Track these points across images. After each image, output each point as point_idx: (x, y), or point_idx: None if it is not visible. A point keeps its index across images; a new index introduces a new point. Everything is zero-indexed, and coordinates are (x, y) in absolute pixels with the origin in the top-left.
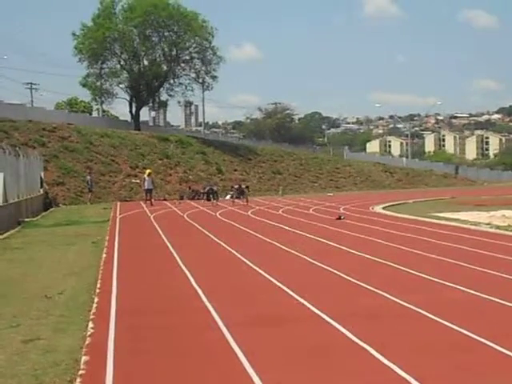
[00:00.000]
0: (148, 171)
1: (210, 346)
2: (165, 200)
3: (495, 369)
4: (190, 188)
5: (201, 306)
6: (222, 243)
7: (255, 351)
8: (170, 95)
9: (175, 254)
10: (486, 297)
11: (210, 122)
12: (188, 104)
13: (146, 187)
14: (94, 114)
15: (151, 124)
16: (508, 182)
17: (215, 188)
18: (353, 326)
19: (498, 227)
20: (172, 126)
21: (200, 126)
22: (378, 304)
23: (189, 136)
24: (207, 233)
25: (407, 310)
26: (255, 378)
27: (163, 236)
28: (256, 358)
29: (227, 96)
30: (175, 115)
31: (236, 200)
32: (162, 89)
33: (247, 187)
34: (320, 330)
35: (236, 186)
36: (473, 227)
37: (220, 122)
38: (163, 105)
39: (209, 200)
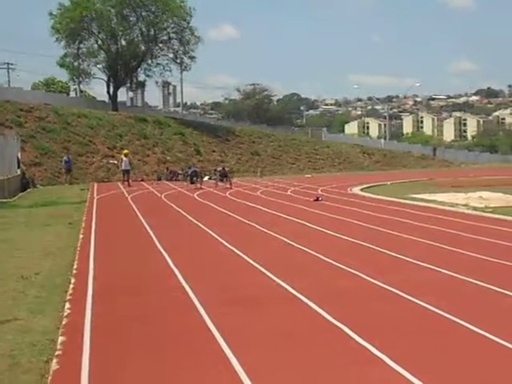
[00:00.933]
0: (125, 152)
1: (187, 327)
2: (142, 181)
3: (471, 350)
4: (167, 169)
5: (178, 287)
6: (199, 224)
7: (232, 332)
8: (147, 75)
9: (152, 235)
10: (463, 278)
11: (189, 103)
12: (166, 84)
13: (123, 168)
14: (72, 94)
15: (129, 104)
16: (485, 163)
17: (199, 170)
18: (330, 306)
19: (475, 208)
20: (150, 106)
21: (178, 106)
22: (355, 285)
23: (167, 117)
24: (185, 214)
25: (384, 290)
26: (232, 359)
27: (140, 217)
28: (233, 338)
29: (205, 77)
30: (153, 96)
31: (219, 183)
32: (139, 69)
33: (231, 171)
34: (297, 311)
35: (219, 169)
36: (450, 208)
37: (198, 103)
38: (141, 85)
39: (192, 183)
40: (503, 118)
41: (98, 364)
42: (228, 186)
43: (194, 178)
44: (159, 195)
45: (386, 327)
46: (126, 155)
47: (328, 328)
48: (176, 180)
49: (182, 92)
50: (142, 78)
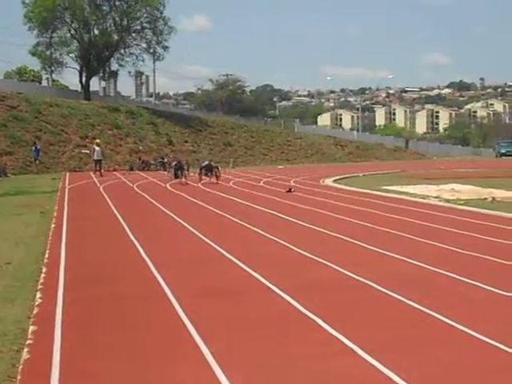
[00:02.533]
0: (97, 141)
1: (159, 317)
2: (114, 171)
3: (443, 341)
4: (140, 159)
5: (150, 277)
6: (171, 214)
7: (204, 322)
8: (120, 65)
9: (124, 225)
10: (435, 269)
11: (161, 93)
12: (139, 74)
13: (96, 158)
14: (44, 83)
15: (101, 94)
16: (457, 156)
17: (184, 162)
18: (302, 297)
19: (446, 200)
20: (123, 96)
21: (151, 96)
22: (327, 276)
23: (139, 107)
24: (157, 204)
25: (356, 281)
26: (203, 349)
27: (112, 207)
28: (205, 328)
29: (178, 67)
30: (126, 85)
31: (204, 177)
32: (112, 59)
33: (216, 168)
34: (269, 302)
35: (205, 163)
36: (422, 200)
37: (171, 93)
38: (114, 75)
39: (177, 177)
40: (475, 111)
41: (69, 353)
42: (214, 180)
43: (179, 172)
44: (131, 185)
45: (358, 318)
46: (98, 145)
47: (300, 318)
48: (148, 170)
49: (155, 82)
50: (114, 67)
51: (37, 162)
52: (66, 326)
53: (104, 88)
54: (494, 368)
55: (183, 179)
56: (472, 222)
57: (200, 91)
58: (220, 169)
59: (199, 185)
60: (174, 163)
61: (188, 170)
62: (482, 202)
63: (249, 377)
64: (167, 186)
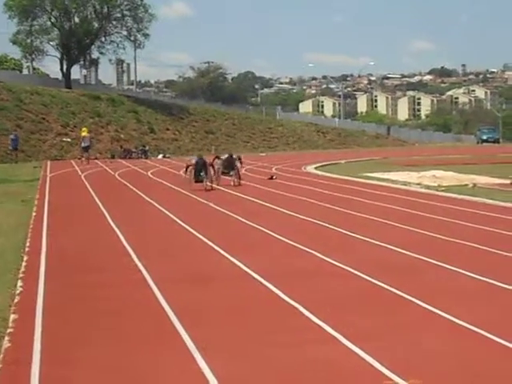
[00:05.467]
0: (83, 129)
1: (140, 303)
2: (96, 159)
3: (423, 327)
4: (121, 147)
5: (131, 264)
6: (153, 202)
7: (185, 308)
8: (101, 53)
9: (106, 213)
10: (415, 256)
11: (142, 81)
12: (120, 62)
13: (83, 145)
14: (25, 71)
15: (82, 82)
16: (439, 142)
17: (208, 161)
18: (283, 284)
19: (428, 187)
20: (104, 84)
21: (132, 84)
22: (309, 263)
23: (120, 95)
24: (139, 192)
25: (338, 269)
26: (184, 335)
27: (94, 195)
28: (185, 315)
29: (159, 54)
30: (107, 73)
31: (223, 177)
32: (93, 46)
33: (239, 159)
34: (250, 289)
35: (224, 157)
36: (403, 187)
37: (152, 81)
38: (94, 63)
39: (199, 181)
40: (456, 98)
41: (50, 342)
42: (236, 182)
43: (202, 174)
44: (113, 173)
45: (339, 305)
46: (86, 132)
47: (281, 306)
48: (130, 158)
49: (136, 70)
50: (95, 55)
51: (15, 152)
52: (47, 314)
53: (85, 76)
54: (475, 354)
55: (208, 183)
56: (453, 209)
57: (181, 79)
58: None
59: (181, 173)
60: (193, 160)
61: (213, 172)
62: (463, 189)
63: (229, 363)
64: (149, 173)
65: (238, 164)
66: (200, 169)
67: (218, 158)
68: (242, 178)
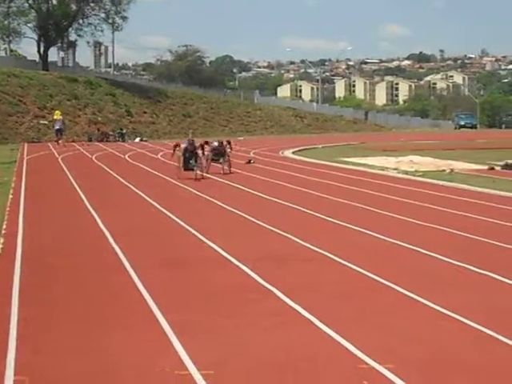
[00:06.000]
0: (56, 112)
1: (117, 287)
2: (73, 142)
3: (398, 311)
4: (98, 130)
5: (108, 248)
6: (129, 185)
7: (161, 292)
8: (79, 35)
9: (83, 196)
10: (392, 241)
11: (120, 64)
12: (97, 45)
13: (57, 127)
14: (1, 53)
15: (60, 64)
16: (416, 128)
17: (196, 144)
18: (260, 268)
19: (405, 172)
20: (81, 66)
21: (110, 67)
22: (285, 247)
23: (98, 77)
24: (116, 175)
25: (315, 253)
26: (160, 318)
27: (71, 178)
28: (162, 299)
29: (137, 37)
30: (84, 56)
31: (213, 164)
32: (70, 29)
33: (229, 143)
34: (227, 273)
35: (215, 144)
36: (380, 172)
37: (130, 64)
38: (72, 45)
39: (189, 169)
40: (434, 83)
41: (25, 326)
42: (226, 170)
43: (192, 161)
44: (90, 156)
45: (315, 289)
46: (58, 116)
47: (257, 289)
48: (107, 141)
49: (114, 52)
50: (73, 37)
51: None
52: (23, 296)
53: (62, 58)
54: (450, 339)
55: (198, 172)
56: (430, 194)
57: (159, 62)
58: (180, 140)
59: (158, 156)
60: (183, 145)
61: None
62: (440, 174)
63: (205, 346)
64: (126, 157)
65: (228, 149)
66: (190, 156)
67: (206, 143)
68: (232, 165)
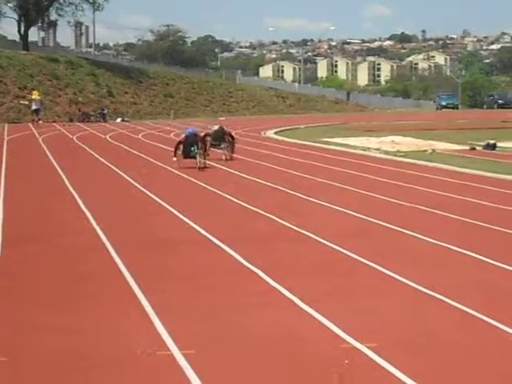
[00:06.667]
0: (34, 92)
1: (98, 267)
2: (54, 122)
3: (379, 290)
4: (79, 110)
5: (89, 229)
6: (111, 165)
7: (143, 273)
8: (59, 15)
9: (64, 177)
10: (373, 221)
11: (101, 44)
12: (78, 25)
13: (34, 107)
14: None
15: (40, 44)
16: (398, 108)
17: (198, 131)
18: (242, 249)
19: (387, 152)
20: (62, 46)
21: (90, 47)
22: (268, 228)
23: (79, 57)
24: (97, 156)
25: (297, 233)
26: (141, 298)
27: (52, 158)
28: (144, 280)
29: (118, 17)
30: (65, 36)
31: (213, 149)
32: (51, 8)
33: (231, 135)
34: (210, 253)
35: (215, 128)
36: (362, 152)
37: (111, 44)
38: (53, 25)
39: (190, 156)
40: (416, 63)
41: (4, 309)
42: (228, 156)
43: (193, 148)
44: (71, 137)
45: (297, 269)
46: (37, 96)
47: (240, 270)
48: (88, 121)
49: (95, 32)
50: (53, 17)
51: None
52: (4, 281)
53: (43, 38)
54: (428, 315)
55: (201, 159)
56: (412, 174)
57: (140, 42)
58: (161, 120)
59: (139, 136)
60: (184, 134)
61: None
62: (421, 154)
63: (188, 327)
64: (107, 137)
65: (230, 138)
66: (191, 143)
67: (207, 135)
68: (235, 151)
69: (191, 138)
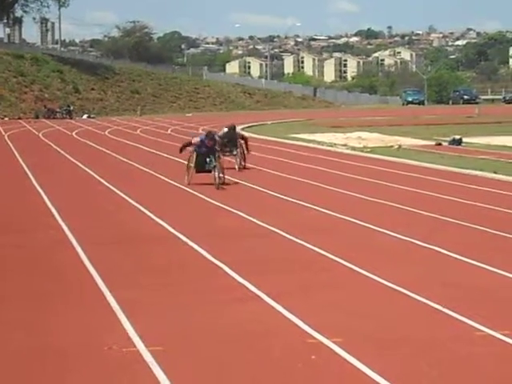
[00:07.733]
0: None
1: (64, 264)
2: (20, 119)
3: (346, 286)
4: (45, 107)
5: (55, 225)
6: (77, 163)
7: (109, 269)
8: (25, 11)
9: (30, 174)
10: (340, 216)
11: (67, 40)
12: (44, 21)
13: None
14: None
15: (6, 41)
16: (365, 104)
17: (214, 133)
18: (209, 245)
19: (353, 148)
20: (28, 43)
21: (56, 43)
22: (234, 224)
23: (45, 54)
24: (63, 152)
25: (263, 229)
26: (107, 295)
27: (17, 156)
28: (109, 275)
29: (84, 13)
30: (31, 32)
31: (224, 157)
32: (16, 5)
33: (244, 138)
34: (176, 249)
35: (225, 130)
36: (329, 148)
37: (77, 40)
38: (18, 21)
39: (203, 170)
40: (382, 59)
41: None
42: (241, 164)
43: (209, 160)
44: (37, 134)
45: (264, 265)
46: None
47: (206, 266)
48: (54, 118)
49: (60, 29)
50: (19, 13)
51: None
52: None
53: (8, 35)
54: (394, 310)
55: (216, 174)
56: (378, 170)
57: (106, 38)
58: (128, 116)
59: (106, 133)
60: (200, 139)
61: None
62: (388, 150)
63: (153, 323)
64: (73, 134)
65: (242, 141)
66: (207, 152)
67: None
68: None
69: (207, 146)
